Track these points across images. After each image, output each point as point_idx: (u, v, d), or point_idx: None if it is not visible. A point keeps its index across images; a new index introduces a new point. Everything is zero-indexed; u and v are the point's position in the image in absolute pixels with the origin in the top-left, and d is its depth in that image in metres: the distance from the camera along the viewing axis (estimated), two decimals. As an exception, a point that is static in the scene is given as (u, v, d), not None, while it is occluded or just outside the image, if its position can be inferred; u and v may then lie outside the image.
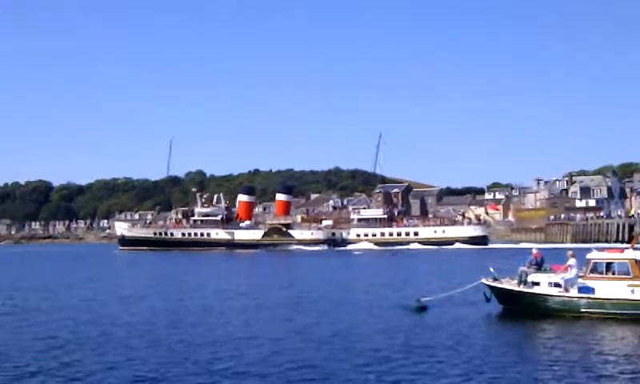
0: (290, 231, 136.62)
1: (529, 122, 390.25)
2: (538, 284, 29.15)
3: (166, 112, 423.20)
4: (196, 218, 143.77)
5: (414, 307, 31.39)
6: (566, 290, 28.16)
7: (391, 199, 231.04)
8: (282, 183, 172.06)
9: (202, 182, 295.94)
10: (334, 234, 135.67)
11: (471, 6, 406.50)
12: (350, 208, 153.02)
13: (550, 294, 28.59)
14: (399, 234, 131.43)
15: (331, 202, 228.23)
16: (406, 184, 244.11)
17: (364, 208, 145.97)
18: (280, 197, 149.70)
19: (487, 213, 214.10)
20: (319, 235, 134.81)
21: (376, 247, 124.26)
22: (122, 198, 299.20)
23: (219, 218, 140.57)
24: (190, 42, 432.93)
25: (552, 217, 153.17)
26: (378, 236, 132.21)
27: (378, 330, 25.63)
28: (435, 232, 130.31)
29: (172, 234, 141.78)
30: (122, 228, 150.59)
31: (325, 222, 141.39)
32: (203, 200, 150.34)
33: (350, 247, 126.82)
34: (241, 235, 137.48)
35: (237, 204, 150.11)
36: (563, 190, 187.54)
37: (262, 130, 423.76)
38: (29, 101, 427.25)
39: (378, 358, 20.35)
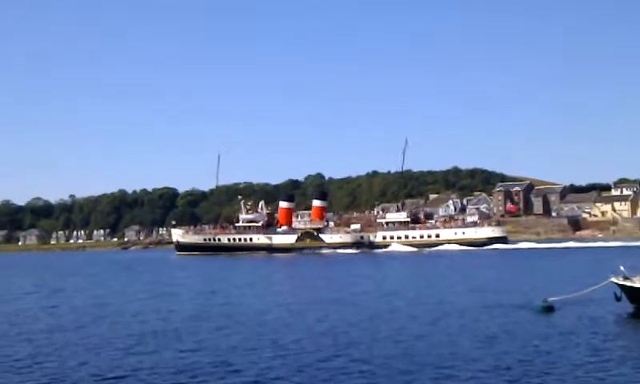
0: (320, 235, 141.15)
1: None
2: (672, 282, 28.16)
3: (283, 117, 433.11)
4: (240, 223, 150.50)
5: (541, 307, 30.98)
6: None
7: (512, 198, 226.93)
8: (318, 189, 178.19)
9: (321, 185, 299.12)
10: (362, 237, 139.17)
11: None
12: (379, 212, 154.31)
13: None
14: (422, 237, 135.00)
15: (450, 202, 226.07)
16: (528, 182, 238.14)
17: (391, 212, 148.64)
18: (316, 203, 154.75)
19: (614, 210, 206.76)
20: (347, 238, 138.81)
21: (413, 249, 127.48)
22: (246, 202, 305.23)
23: (260, 223, 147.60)
24: (312, 47, 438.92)
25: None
26: (403, 238, 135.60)
27: (506, 331, 25.57)
28: (455, 234, 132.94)
29: (219, 240, 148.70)
30: (177, 234, 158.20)
31: (353, 226, 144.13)
32: (248, 207, 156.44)
33: (389, 249, 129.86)
34: (278, 240, 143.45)
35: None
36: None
37: (379, 131, 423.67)
38: (155, 116, 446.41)
39: (511, 361, 20.24)
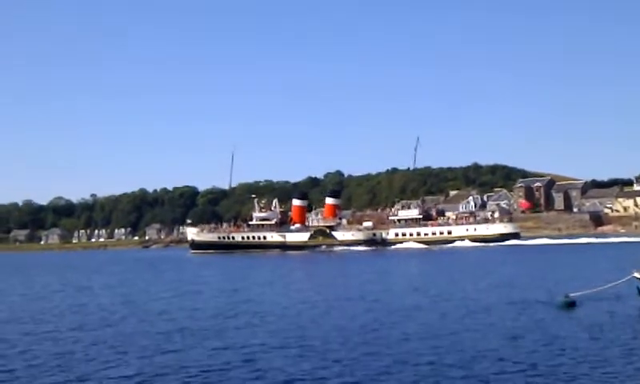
0: (333, 233, 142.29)
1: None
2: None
3: (302, 116, 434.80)
4: (254, 222, 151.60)
5: (562, 303, 30.97)
6: None
7: (533, 194, 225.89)
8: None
9: (340, 183, 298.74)
10: (374, 234, 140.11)
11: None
12: (393, 209, 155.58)
13: None
14: (434, 234, 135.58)
15: (470, 198, 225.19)
16: (549, 178, 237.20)
17: (402, 209, 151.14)
18: (329, 200, 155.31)
19: (636, 205, 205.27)
20: (360, 236, 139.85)
21: (425, 246, 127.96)
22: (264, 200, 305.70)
23: (274, 221, 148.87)
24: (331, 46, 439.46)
25: None
26: (415, 235, 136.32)
27: (531, 329, 25.54)
28: (467, 230, 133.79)
29: (233, 238, 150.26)
30: (192, 233, 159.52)
31: (365, 223, 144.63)
32: (261, 205, 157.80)
33: (401, 246, 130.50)
34: (291, 237, 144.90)
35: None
36: None
37: (399, 128, 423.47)
38: (177, 115, 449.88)
39: (539, 359, 20.18)
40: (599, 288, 32.03)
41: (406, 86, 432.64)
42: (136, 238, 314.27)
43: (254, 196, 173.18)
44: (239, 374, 19.60)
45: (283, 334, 26.43)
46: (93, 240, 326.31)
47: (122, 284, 59.09)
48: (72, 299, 44.78)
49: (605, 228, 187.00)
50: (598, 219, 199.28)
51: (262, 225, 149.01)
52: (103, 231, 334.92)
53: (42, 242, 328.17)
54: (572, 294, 31.55)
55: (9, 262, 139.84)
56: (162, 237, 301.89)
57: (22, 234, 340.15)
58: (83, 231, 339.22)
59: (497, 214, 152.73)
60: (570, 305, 30.72)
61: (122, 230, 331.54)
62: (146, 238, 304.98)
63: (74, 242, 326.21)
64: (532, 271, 55.45)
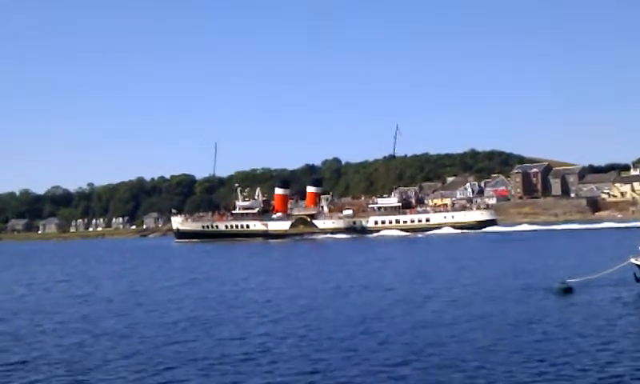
0: (314, 221, 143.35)
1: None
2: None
3: (299, 102, 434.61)
4: (237, 211, 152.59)
5: (559, 289, 31.40)
6: None
7: (530, 180, 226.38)
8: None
9: (338, 170, 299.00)
10: (354, 222, 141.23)
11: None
12: (373, 198, 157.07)
13: None
14: (412, 221, 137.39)
15: (468, 185, 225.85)
16: (546, 163, 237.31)
17: (381, 197, 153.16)
18: (310, 189, 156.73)
19: (634, 190, 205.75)
20: (340, 224, 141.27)
21: (402, 233, 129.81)
22: (261, 187, 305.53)
23: (256, 210, 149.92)
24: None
25: None
26: (394, 223, 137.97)
27: (528, 316, 25.79)
28: (445, 218, 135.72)
29: (217, 227, 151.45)
30: (177, 222, 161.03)
31: (346, 211, 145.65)
32: (244, 195, 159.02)
33: (380, 234, 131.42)
34: (273, 226, 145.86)
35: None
36: None
37: (395, 115, 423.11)
38: (172, 104, 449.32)
39: (535, 348, 20.37)
40: (597, 274, 32.41)
41: (403, 73, 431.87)
42: (133, 226, 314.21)
43: (237, 185, 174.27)
44: (254, 365, 19.76)
45: (300, 323, 26.67)
46: (90, 229, 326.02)
47: (126, 273, 59.54)
48: (78, 289, 45.23)
49: (602, 213, 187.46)
50: (595, 204, 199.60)
51: (245, 214, 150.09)
52: (101, 220, 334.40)
53: (40, 232, 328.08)
54: (569, 280, 31.96)
55: (8, 252, 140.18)
56: (160, 225, 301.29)
57: (19, 223, 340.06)
58: (81, 220, 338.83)
59: (494, 201, 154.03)
60: (567, 291, 31.14)
61: (120, 219, 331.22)
62: (144, 226, 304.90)
63: (71, 231, 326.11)
64: (526, 258, 55.41)
